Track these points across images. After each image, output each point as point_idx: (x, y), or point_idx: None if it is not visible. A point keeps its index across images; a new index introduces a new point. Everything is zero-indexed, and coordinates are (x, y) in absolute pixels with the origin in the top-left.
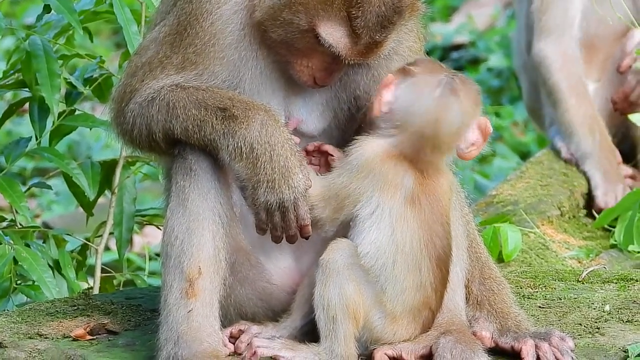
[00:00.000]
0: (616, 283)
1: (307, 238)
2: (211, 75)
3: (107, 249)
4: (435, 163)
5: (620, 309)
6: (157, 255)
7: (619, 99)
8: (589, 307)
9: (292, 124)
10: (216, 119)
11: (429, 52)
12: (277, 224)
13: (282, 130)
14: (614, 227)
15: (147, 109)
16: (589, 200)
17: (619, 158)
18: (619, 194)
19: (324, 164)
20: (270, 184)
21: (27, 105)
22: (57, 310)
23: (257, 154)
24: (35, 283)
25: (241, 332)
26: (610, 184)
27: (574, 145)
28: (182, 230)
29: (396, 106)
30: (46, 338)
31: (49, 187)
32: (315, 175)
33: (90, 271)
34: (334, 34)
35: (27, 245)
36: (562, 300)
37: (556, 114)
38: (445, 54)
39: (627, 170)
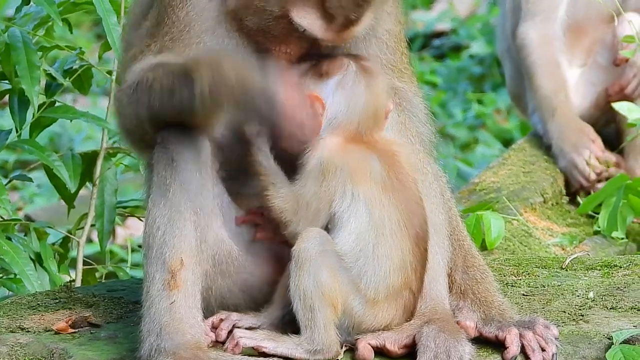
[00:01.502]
0: (600, 270)
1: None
2: None
3: (89, 241)
4: (382, 137)
5: (604, 295)
6: (140, 247)
7: (614, 92)
8: (572, 295)
9: None
10: (180, 76)
11: (410, 40)
12: None
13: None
14: (598, 213)
15: (132, 95)
16: (567, 184)
17: (601, 144)
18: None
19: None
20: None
21: (7, 97)
22: (38, 304)
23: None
24: (17, 276)
25: (222, 321)
26: (578, 155)
27: (542, 129)
28: (163, 221)
29: (331, 112)
30: (28, 332)
31: (30, 180)
32: (284, 188)
33: (72, 264)
34: (307, 17)
35: (9, 239)
36: (546, 287)
37: (530, 94)
38: (427, 41)
39: (612, 157)
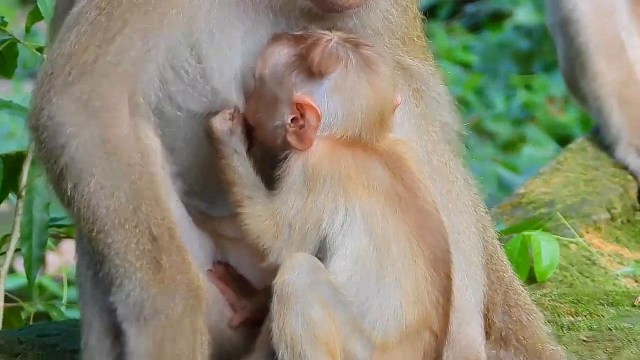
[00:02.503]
0: None
1: None
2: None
3: (11, 271)
4: (385, 137)
5: None
6: None
7: None
8: None
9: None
10: (138, 249)
11: (435, 6)
12: None
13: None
14: None
15: (55, 139)
16: None
17: None
18: None
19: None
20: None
21: None
22: None
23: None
24: None
25: None
26: None
27: (602, 125)
28: None
29: (326, 119)
30: None
31: None
32: (260, 205)
33: None
34: None
35: None
36: (614, 331)
37: (583, 83)
38: (458, 7)
39: None
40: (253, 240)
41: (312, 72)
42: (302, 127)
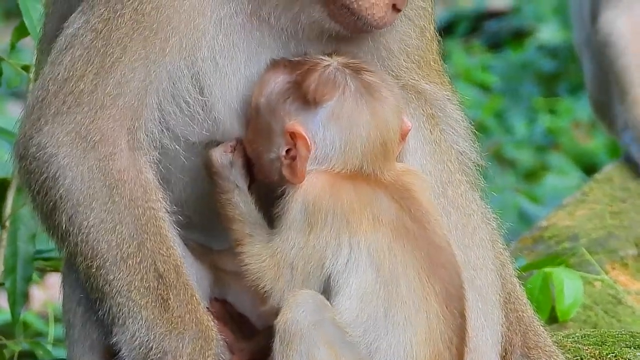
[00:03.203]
0: None
1: None
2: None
3: None
4: (390, 167)
5: None
6: None
7: None
8: None
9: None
10: (143, 286)
11: (453, 22)
12: None
13: None
14: None
15: (46, 170)
16: None
17: None
18: None
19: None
20: None
21: None
22: None
23: None
24: None
25: None
26: None
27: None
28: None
29: (321, 151)
30: None
31: None
32: (261, 243)
33: None
34: None
35: None
36: None
37: (623, 108)
38: (478, 24)
39: None
40: (253, 282)
41: (306, 100)
42: (294, 158)
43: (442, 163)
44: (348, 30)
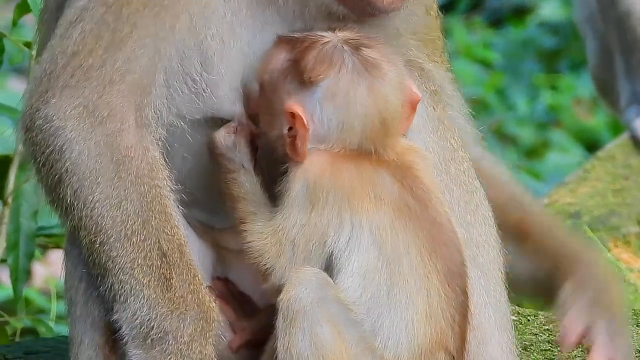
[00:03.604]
0: None
1: None
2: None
3: None
4: (396, 145)
5: None
6: None
7: None
8: None
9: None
10: (146, 264)
11: (451, 1)
12: None
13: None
14: None
15: (53, 142)
16: None
17: None
18: None
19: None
20: None
21: None
22: None
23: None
24: None
25: None
26: None
27: None
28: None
29: (320, 129)
30: None
31: None
32: (262, 221)
33: None
34: None
35: None
36: None
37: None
38: (478, 1)
39: None
40: (255, 259)
41: (303, 79)
42: (294, 136)
43: (445, 140)
44: (356, 14)
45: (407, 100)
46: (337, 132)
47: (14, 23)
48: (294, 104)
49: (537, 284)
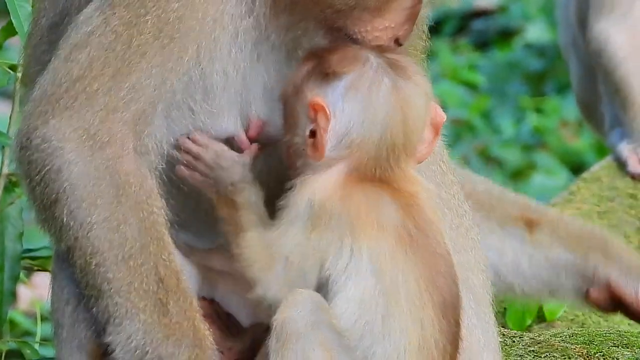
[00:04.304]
0: None
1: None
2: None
3: None
4: (405, 172)
5: None
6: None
7: None
8: None
9: (254, 129)
10: (142, 288)
11: (440, 22)
12: None
13: None
14: None
15: (50, 162)
16: None
17: None
18: None
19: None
20: None
21: None
22: None
23: None
24: None
25: None
26: None
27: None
28: (75, 290)
29: (341, 126)
30: None
31: None
32: (257, 231)
33: None
34: None
35: None
36: None
37: (625, 118)
38: (464, 22)
39: None
40: (243, 267)
41: (327, 74)
42: (315, 133)
43: (435, 164)
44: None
45: (432, 120)
46: (359, 130)
47: (0, 46)
48: (316, 96)
49: (575, 269)
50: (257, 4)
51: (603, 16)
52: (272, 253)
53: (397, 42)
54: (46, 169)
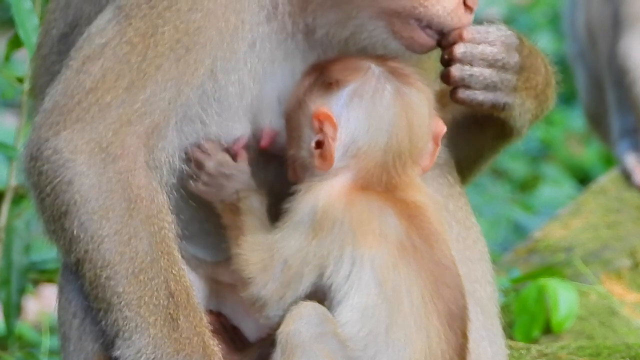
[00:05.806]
0: None
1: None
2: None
3: None
4: (412, 179)
5: None
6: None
7: None
8: None
9: (266, 138)
10: (152, 302)
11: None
12: None
13: None
14: None
15: (60, 174)
16: None
17: None
18: None
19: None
20: None
21: None
22: None
23: None
24: None
25: None
26: None
27: None
28: (83, 303)
29: (347, 134)
30: None
31: None
32: (258, 234)
33: None
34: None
35: None
36: None
37: None
38: None
39: None
40: (239, 266)
41: (330, 84)
42: (322, 144)
43: (442, 176)
44: (412, 48)
45: (433, 131)
46: (365, 138)
47: (7, 58)
48: (321, 107)
49: None
50: (279, 7)
51: (629, 31)
52: (271, 255)
53: (467, 6)
54: (57, 180)
